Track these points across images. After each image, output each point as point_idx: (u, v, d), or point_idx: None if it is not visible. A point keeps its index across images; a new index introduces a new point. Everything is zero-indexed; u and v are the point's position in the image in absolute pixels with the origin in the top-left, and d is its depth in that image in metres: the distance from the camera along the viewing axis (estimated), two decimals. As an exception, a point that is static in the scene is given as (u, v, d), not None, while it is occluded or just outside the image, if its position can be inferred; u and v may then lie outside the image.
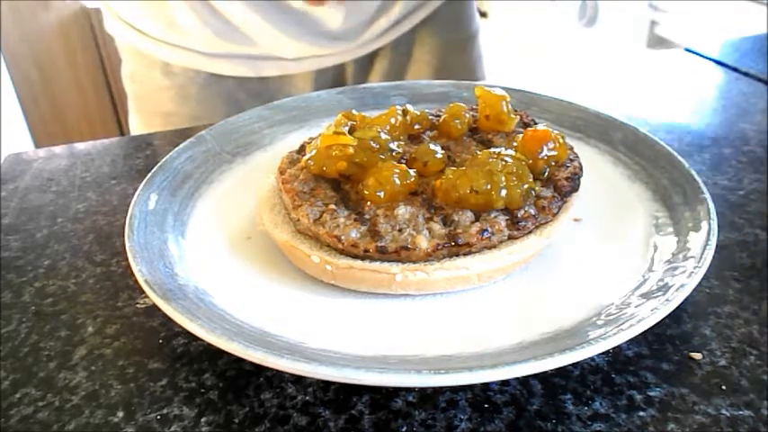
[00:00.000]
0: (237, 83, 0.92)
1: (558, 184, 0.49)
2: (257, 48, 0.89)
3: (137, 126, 0.98)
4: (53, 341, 0.45)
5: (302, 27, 0.87)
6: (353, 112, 0.56)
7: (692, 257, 0.44)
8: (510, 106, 0.56)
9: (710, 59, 0.93)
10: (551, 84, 0.88)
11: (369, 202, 0.47)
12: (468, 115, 0.56)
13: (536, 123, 0.57)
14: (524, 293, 0.46)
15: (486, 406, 0.39)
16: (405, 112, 0.56)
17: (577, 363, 0.41)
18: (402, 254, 0.44)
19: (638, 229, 0.50)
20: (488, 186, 0.45)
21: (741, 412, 0.38)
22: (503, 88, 0.59)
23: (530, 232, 0.47)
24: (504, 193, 0.46)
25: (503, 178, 0.46)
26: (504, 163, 0.47)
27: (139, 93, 0.96)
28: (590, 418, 0.38)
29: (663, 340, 0.43)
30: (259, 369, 0.42)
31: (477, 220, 0.46)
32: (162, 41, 0.89)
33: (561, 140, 0.51)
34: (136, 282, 0.43)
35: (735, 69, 0.89)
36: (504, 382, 0.41)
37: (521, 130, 0.55)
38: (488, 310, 0.45)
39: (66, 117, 2.65)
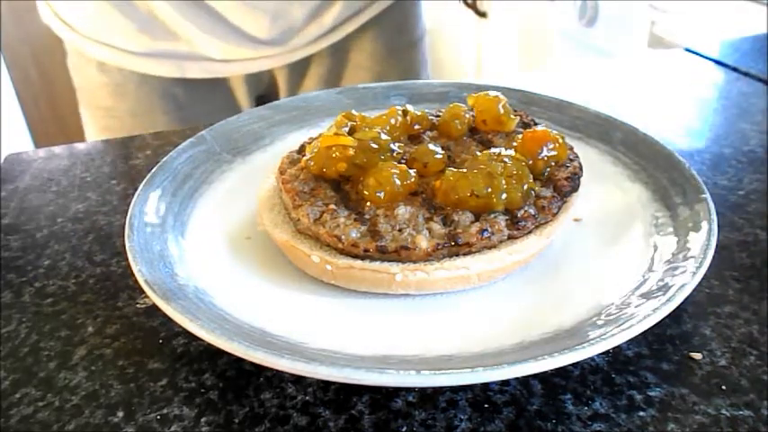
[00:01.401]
0: (174, 80, 0.91)
1: (558, 184, 0.49)
2: (184, 44, 0.87)
3: (85, 118, 0.99)
4: (53, 341, 0.45)
5: (226, 28, 0.86)
6: (353, 112, 0.56)
7: (692, 257, 0.44)
8: (508, 106, 0.56)
9: (710, 59, 0.93)
10: (551, 84, 0.88)
11: (369, 203, 0.47)
12: (468, 116, 0.56)
13: (536, 124, 0.57)
14: (524, 293, 0.46)
15: (486, 406, 0.39)
16: (405, 113, 0.56)
17: (577, 363, 0.41)
18: (402, 253, 0.44)
19: (638, 229, 0.50)
20: (489, 190, 0.45)
21: (741, 412, 0.38)
22: (504, 89, 0.59)
23: (530, 232, 0.47)
24: (504, 196, 0.46)
25: (503, 182, 0.46)
26: (504, 164, 0.47)
27: (80, 85, 0.97)
28: (590, 418, 0.38)
29: (663, 340, 0.43)
30: (259, 369, 0.42)
31: (476, 219, 0.46)
32: (92, 39, 0.88)
33: (561, 141, 0.51)
34: (136, 282, 0.43)
35: (735, 69, 0.89)
36: (504, 382, 0.41)
37: (521, 130, 0.55)
38: (488, 310, 0.45)
39: (66, 117, 2.64)
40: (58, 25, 0.91)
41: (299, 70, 0.98)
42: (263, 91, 1.01)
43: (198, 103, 0.95)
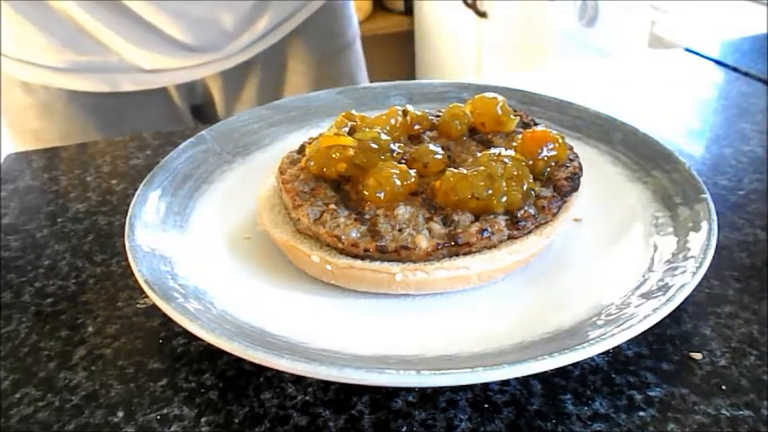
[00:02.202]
0: (105, 94, 0.88)
1: (558, 183, 0.49)
2: (112, 56, 0.84)
3: (12, 142, 0.93)
4: (53, 341, 0.45)
5: (154, 37, 0.84)
6: (353, 112, 0.56)
7: (692, 257, 0.44)
8: (507, 107, 0.56)
9: (710, 59, 0.93)
10: (551, 84, 0.88)
11: (369, 203, 0.47)
12: (467, 116, 0.56)
13: (536, 124, 0.57)
14: (524, 293, 0.46)
15: (486, 406, 0.39)
16: (405, 113, 0.56)
17: (577, 363, 0.41)
18: (402, 253, 0.44)
19: (638, 229, 0.50)
20: (489, 192, 0.45)
21: (741, 412, 0.38)
22: (504, 89, 0.59)
23: (530, 232, 0.47)
24: (504, 199, 0.46)
25: (503, 184, 0.46)
26: (504, 165, 0.47)
27: (6, 108, 0.91)
28: (590, 418, 0.38)
29: (663, 340, 0.43)
30: (259, 369, 0.42)
31: (476, 219, 0.46)
32: (13, 58, 0.84)
33: (561, 141, 0.51)
34: (136, 282, 0.43)
35: (735, 69, 0.89)
36: (504, 382, 0.41)
37: (521, 130, 0.55)
38: (488, 310, 0.45)
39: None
40: None
41: (234, 79, 0.96)
42: (199, 101, 0.99)
43: (133, 116, 0.91)
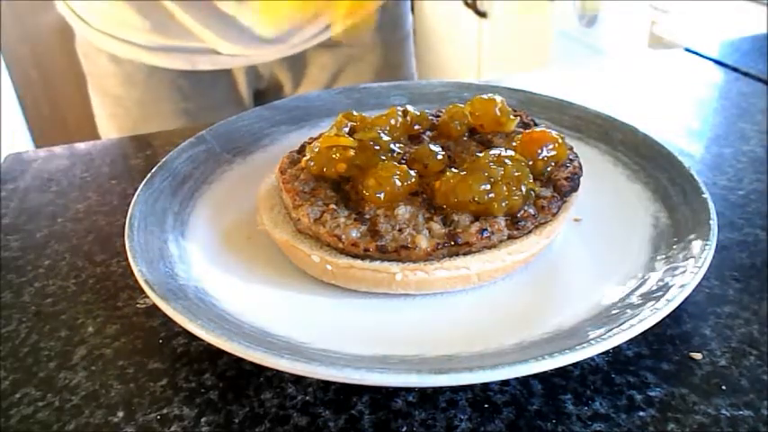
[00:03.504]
0: (181, 72, 0.97)
1: (558, 183, 0.49)
2: (195, 42, 0.93)
3: (95, 103, 1.03)
4: (53, 341, 0.45)
5: (235, 30, 0.92)
6: (353, 112, 0.56)
7: (691, 257, 0.44)
8: (507, 107, 0.56)
9: (710, 59, 0.93)
10: (551, 84, 0.88)
11: (369, 202, 0.47)
12: (467, 116, 0.56)
13: (536, 124, 0.57)
14: (524, 293, 0.46)
15: (486, 406, 0.39)
16: (405, 113, 0.56)
17: (577, 363, 0.41)
18: (402, 253, 0.44)
19: (638, 228, 0.50)
20: (491, 195, 0.45)
21: (741, 412, 0.38)
22: (504, 89, 0.59)
23: (529, 232, 0.47)
24: (505, 203, 0.46)
25: (504, 188, 0.46)
26: (504, 167, 0.46)
27: (90, 72, 1.01)
28: (590, 418, 0.38)
29: (663, 340, 0.43)
30: (259, 369, 0.42)
31: (476, 219, 0.46)
32: (106, 33, 0.93)
33: (560, 141, 0.51)
34: (136, 282, 0.43)
35: (735, 69, 0.89)
36: (504, 382, 0.41)
37: (521, 130, 0.55)
38: (488, 310, 0.45)
39: (66, 117, 2.65)
40: (71, 17, 0.96)
41: (299, 65, 1.03)
42: (264, 87, 1.06)
43: (201, 96, 1.00)
